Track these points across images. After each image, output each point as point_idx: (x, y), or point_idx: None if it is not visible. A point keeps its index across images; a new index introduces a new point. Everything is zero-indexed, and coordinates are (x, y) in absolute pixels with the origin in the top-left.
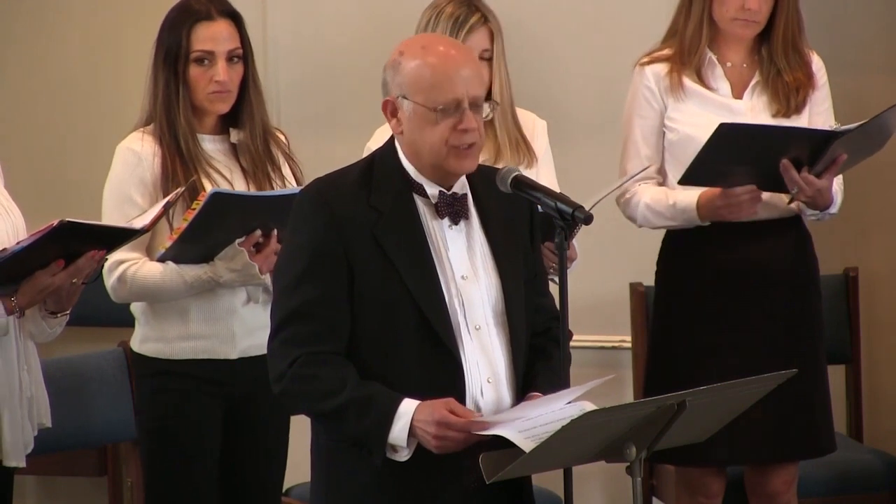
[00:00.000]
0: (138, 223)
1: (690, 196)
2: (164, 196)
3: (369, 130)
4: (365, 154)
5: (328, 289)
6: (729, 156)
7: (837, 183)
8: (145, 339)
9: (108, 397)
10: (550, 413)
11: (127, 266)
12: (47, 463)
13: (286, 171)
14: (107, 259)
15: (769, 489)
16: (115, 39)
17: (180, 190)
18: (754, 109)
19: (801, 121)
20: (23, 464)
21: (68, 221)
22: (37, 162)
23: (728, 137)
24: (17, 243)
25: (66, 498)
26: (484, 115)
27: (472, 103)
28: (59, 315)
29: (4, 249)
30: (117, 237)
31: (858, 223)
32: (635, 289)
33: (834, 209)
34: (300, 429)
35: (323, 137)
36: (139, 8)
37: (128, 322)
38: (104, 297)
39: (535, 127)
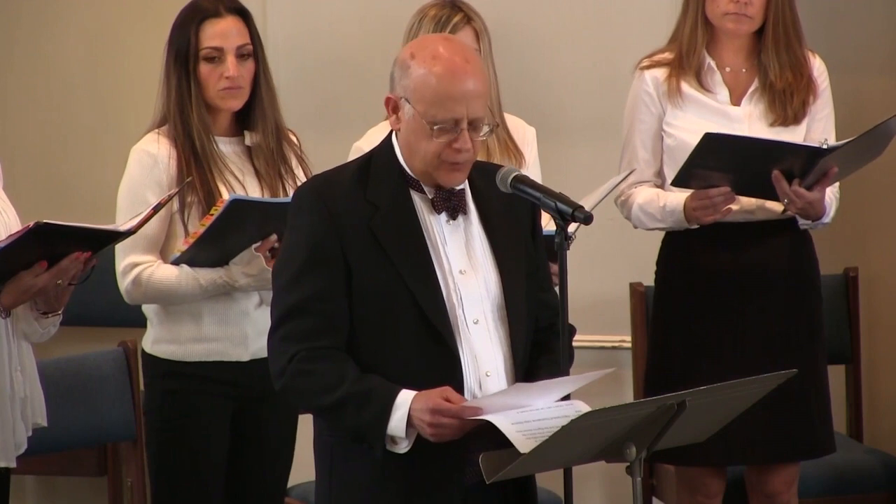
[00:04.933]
0: (124, 225)
1: (679, 199)
2: (179, 199)
3: (368, 128)
4: (352, 153)
5: (326, 284)
6: (717, 163)
7: (832, 191)
8: (157, 341)
9: (108, 397)
10: (546, 409)
11: (142, 269)
12: (47, 463)
13: (299, 172)
14: (95, 260)
15: (769, 489)
16: (115, 40)
17: (173, 192)
18: (751, 116)
19: (799, 130)
20: (13, 464)
21: (45, 223)
22: (38, 163)
23: (713, 147)
24: None
25: (66, 498)
26: (481, 135)
27: (471, 123)
28: (50, 315)
29: None
30: (102, 239)
31: (858, 223)
32: (635, 289)
33: (826, 219)
34: (302, 428)
35: (322, 135)
36: (140, 8)
37: (128, 322)
38: (104, 297)
39: (525, 134)
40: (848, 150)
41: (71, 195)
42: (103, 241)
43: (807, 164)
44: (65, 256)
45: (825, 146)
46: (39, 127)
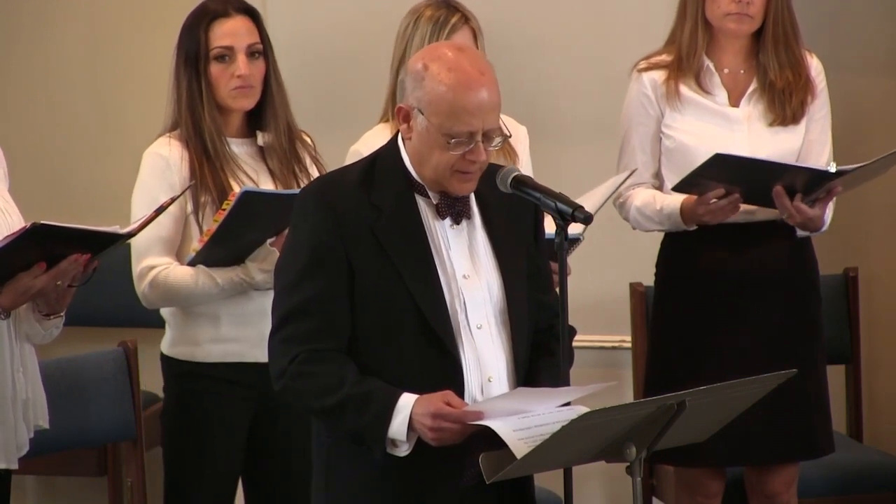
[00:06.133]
0: (124, 228)
1: (675, 202)
2: (193, 200)
3: (367, 128)
4: (349, 157)
5: (328, 286)
6: (723, 177)
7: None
8: (175, 342)
9: (108, 397)
10: (546, 414)
11: (158, 271)
12: (47, 463)
13: (314, 171)
14: (96, 262)
15: (769, 489)
16: (115, 41)
17: (175, 196)
18: (750, 117)
19: (798, 130)
20: (14, 466)
21: (41, 224)
22: (38, 163)
23: (721, 165)
24: None
25: (66, 498)
26: (493, 145)
27: (485, 135)
28: (52, 317)
29: None
30: (102, 241)
31: (858, 223)
32: (635, 289)
33: (823, 228)
34: None
35: (320, 135)
36: (140, 9)
37: (128, 322)
38: (104, 297)
39: (517, 133)
40: (856, 174)
41: (71, 196)
42: (103, 243)
43: (811, 182)
44: (64, 258)
45: (833, 170)
46: (39, 127)
